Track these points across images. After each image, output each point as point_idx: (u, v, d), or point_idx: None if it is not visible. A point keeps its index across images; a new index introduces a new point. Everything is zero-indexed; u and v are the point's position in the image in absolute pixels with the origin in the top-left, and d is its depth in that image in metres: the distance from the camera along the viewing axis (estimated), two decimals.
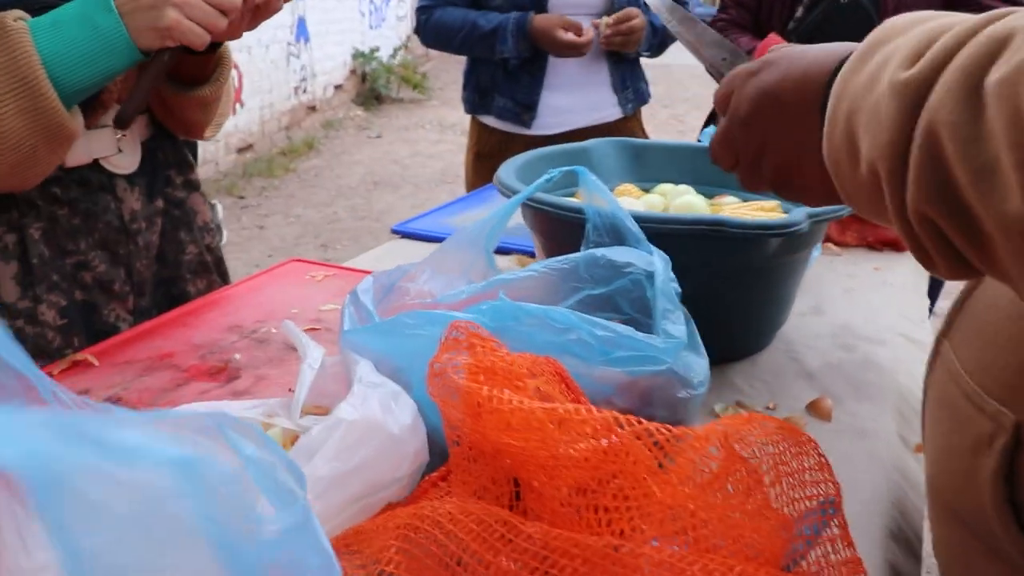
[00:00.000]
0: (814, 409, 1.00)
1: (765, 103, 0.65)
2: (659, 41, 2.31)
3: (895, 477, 0.89)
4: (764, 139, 0.66)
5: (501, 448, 0.51)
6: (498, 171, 1.16)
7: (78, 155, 1.13)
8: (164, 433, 0.38)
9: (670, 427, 0.48)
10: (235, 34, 1.09)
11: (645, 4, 2.30)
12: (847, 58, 0.57)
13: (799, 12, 2.15)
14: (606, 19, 2.16)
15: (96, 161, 1.16)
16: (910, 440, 0.98)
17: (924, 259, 0.51)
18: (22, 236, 1.11)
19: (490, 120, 2.36)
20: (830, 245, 1.56)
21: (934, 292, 2.11)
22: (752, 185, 0.70)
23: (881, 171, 0.49)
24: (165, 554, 0.39)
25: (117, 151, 1.18)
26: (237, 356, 1.10)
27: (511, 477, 0.57)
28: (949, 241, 0.48)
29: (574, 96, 2.29)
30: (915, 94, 0.47)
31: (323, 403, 0.83)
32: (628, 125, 2.40)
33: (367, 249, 5.52)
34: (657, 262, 0.85)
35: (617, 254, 0.87)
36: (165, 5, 0.99)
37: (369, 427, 0.62)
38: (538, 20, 2.15)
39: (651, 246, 0.88)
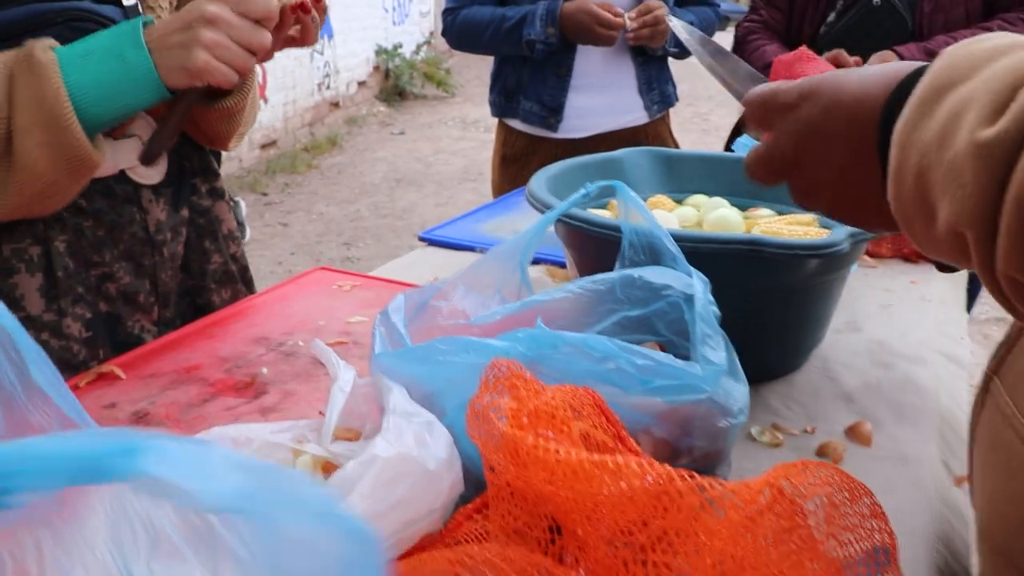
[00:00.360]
0: (853, 434, 0.98)
1: (812, 144, 0.61)
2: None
3: (940, 508, 0.86)
4: (816, 178, 0.63)
5: (544, 495, 0.49)
6: (530, 183, 1.13)
7: (104, 166, 1.11)
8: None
9: (723, 481, 0.46)
10: (262, 60, 1.08)
11: (674, 8, 2.27)
12: (898, 91, 0.54)
13: (831, 16, 2.11)
14: (629, 15, 2.13)
15: (122, 171, 1.15)
16: (954, 467, 0.95)
17: (1010, 309, 0.49)
18: (47, 248, 1.10)
19: (516, 123, 2.34)
20: (865, 257, 1.52)
21: (971, 296, 2.07)
22: (808, 207, 0.67)
23: (968, 236, 0.46)
24: None
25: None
26: (264, 370, 1.09)
27: (550, 518, 0.55)
28: None
29: (600, 98, 2.26)
30: (1003, 156, 0.43)
31: (353, 425, 0.82)
32: (656, 129, 2.37)
33: (389, 247, 5.51)
34: (696, 285, 0.82)
35: (655, 275, 0.85)
36: (195, 45, 0.98)
37: (405, 463, 0.60)
38: (569, 3, 2.12)
39: (690, 267, 0.86)
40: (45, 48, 0.96)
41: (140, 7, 1.11)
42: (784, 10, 2.23)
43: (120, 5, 1.09)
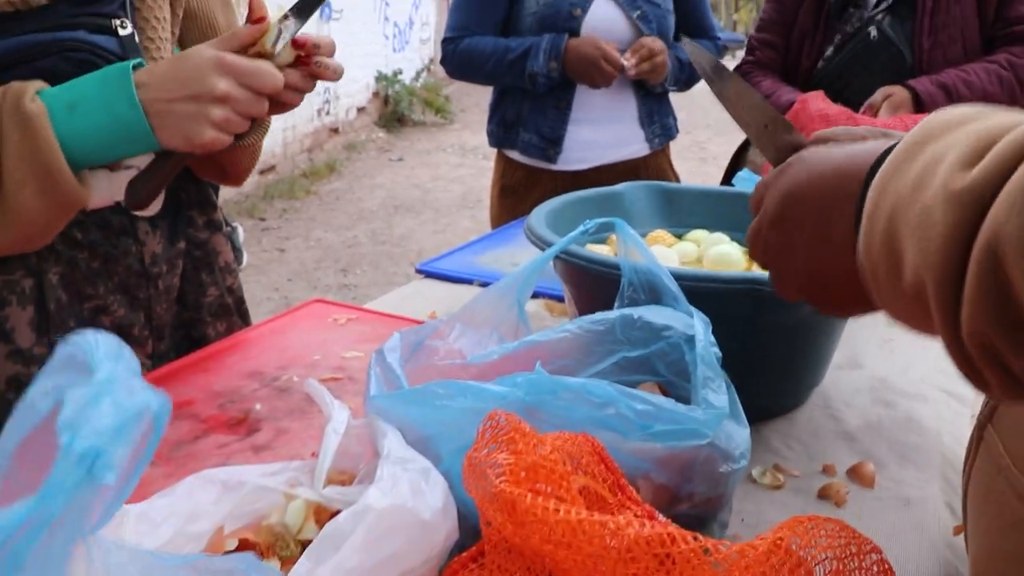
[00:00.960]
0: (856, 475, 0.96)
1: (792, 201, 0.61)
2: (687, 76, 2.28)
3: (945, 554, 0.84)
4: (792, 240, 0.62)
5: (542, 552, 0.48)
6: (529, 219, 1.12)
7: (101, 197, 1.10)
8: None
9: (728, 541, 0.44)
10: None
11: (675, 38, 2.27)
12: (886, 153, 0.53)
13: (828, 51, 2.11)
14: (627, 55, 2.14)
15: (118, 203, 1.13)
16: (957, 508, 0.94)
17: (975, 379, 0.47)
18: (40, 281, 1.09)
19: (515, 155, 2.33)
20: None
21: None
22: (783, 290, 0.66)
23: (929, 283, 0.45)
24: None
25: None
26: (258, 406, 1.07)
27: (548, 572, 0.53)
28: (1007, 362, 0.44)
29: (601, 130, 2.25)
30: (975, 203, 0.42)
31: (347, 467, 0.80)
32: (656, 161, 2.37)
33: (387, 275, 5.50)
34: (697, 325, 0.81)
35: (655, 315, 0.84)
36: (204, 122, 0.96)
37: (399, 514, 0.59)
38: (575, 40, 2.13)
39: (690, 307, 0.84)
40: (33, 97, 0.94)
41: (136, 36, 1.10)
42: (780, 49, 2.23)
43: (116, 35, 1.08)
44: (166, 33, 1.16)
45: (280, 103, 1.06)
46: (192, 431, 1.01)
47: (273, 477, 0.76)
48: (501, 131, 2.35)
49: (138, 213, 1.15)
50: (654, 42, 2.15)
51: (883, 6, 2.03)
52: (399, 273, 5.38)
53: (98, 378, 0.42)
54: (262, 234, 6.28)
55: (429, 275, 1.61)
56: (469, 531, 0.67)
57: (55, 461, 0.39)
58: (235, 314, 1.34)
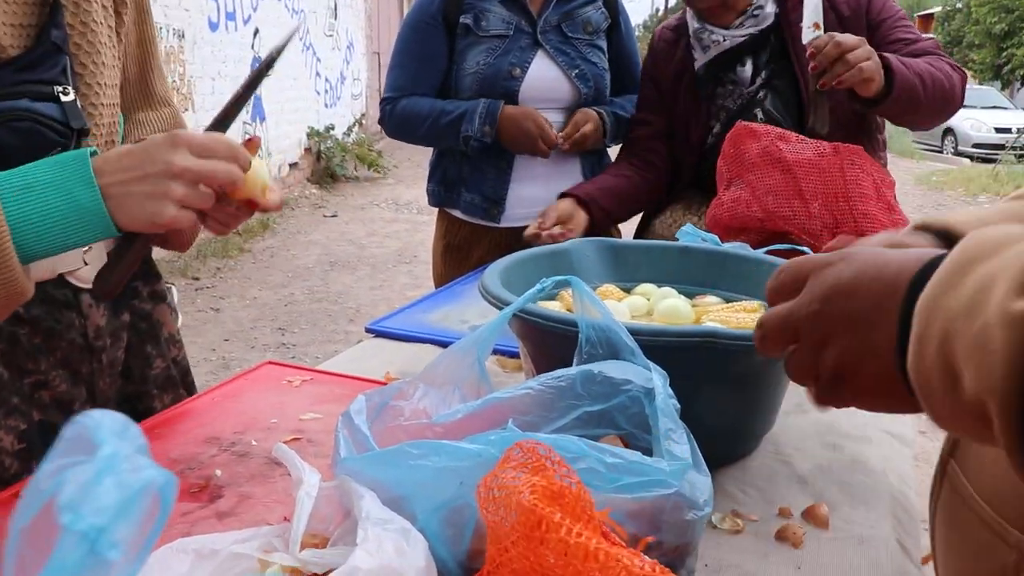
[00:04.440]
0: (810, 516, 0.99)
1: (837, 296, 0.62)
2: (624, 131, 2.34)
3: None
4: (829, 332, 0.63)
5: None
6: (483, 279, 1.15)
7: (42, 270, 1.07)
8: None
9: None
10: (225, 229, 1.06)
11: (610, 100, 2.33)
12: (928, 264, 0.56)
13: (716, 127, 2.08)
14: (560, 136, 2.20)
15: (61, 275, 1.12)
16: (908, 546, 0.97)
17: None
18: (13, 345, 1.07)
19: (458, 213, 2.36)
20: None
21: None
22: (800, 376, 0.67)
23: (993, 406, 0.47)
24: None
25: (83, 264, 1.14)
26: (218, 472, 1.07)
27: None
28: None
29: (544, 187, 2.29)
30: None
31: (319, 530, 0.81)
32: None
33: (325, 332, 5.46)
34: (656, 379, 0.84)
35: (615, 370, 0.86)
36: (165, 200, 0.92)
37: (386, 574, 0.60)
38: (511, 107, 2.17)
39: (648, 361, 0.87)
40: None
41: (79, 103, 1.09)
42: (662, 127, 2.21)
43: (59, 102, 1.05)
44: (109, 100, 1.15)
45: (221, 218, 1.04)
46: None
47: (246, 543, 0.76)
48: (442, 190, 2.38)
49: (81, 285, 1.14)
50: (580, 117, 2.22)
51: (759, 82, 2.01)
52: (338, 330, 5.36)
53: (100, 456, 0.43)
54: (196, 294, 6.20)
55: (379, 334, 1.62)
56: None
57: (58, 541, 0.40)
58: (180, 386, 1.34)
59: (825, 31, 1.75)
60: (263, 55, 9.16)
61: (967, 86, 1.90)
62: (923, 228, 0.80)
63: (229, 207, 1.01)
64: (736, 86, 2.03)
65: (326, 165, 10.63)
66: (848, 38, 1.66)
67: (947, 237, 0.81)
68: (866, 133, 1.94)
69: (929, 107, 1.79)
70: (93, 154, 0.94)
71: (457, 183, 2.32)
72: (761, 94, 2.00)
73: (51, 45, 1.04)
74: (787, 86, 1.97)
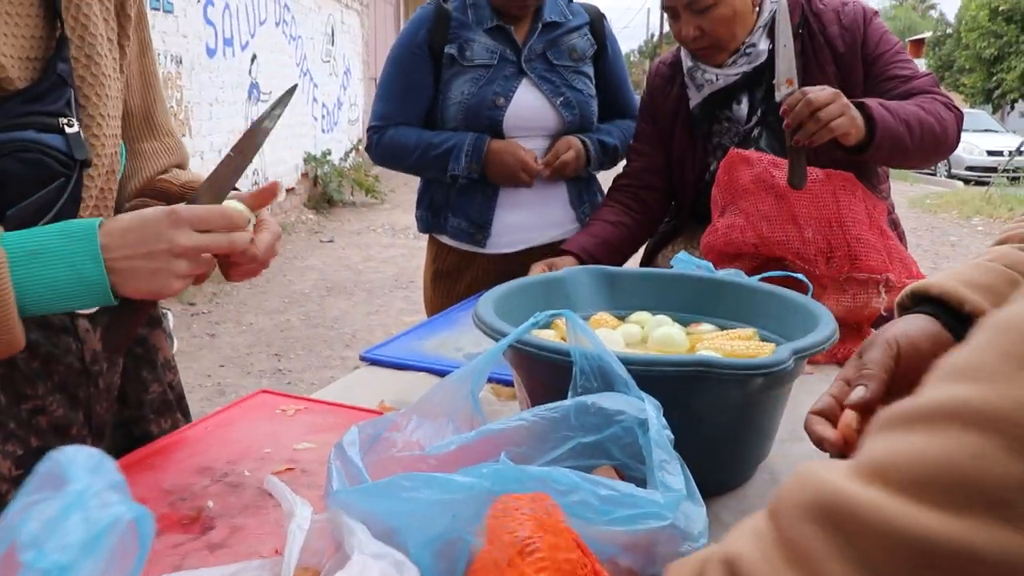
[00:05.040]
0: None
1: None
2: (611, 158, 2.36)
3: None
4: None
5: None
6: (476, 310, 1.15)
7: None
8: None
9: None
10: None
11: (596, 127, 2.34)
12: None
13: (713, 165, 2.06)
14: (541, 163, 2.23)
15: None
16: None
17: None
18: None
19: (445, 239, 2.37)
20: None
21: None
22: None
23: None
24: None
25: None
26: (210, 503, 1.06)
27: None
28: None
29: (531, 214, 2.31)
30: None
31: (311, 563, 0.80)
32: None
33: (321, 358, 5.45)
34: (649, 410, 0.84)
35: (608, 401, 0.86)
36: (170, 277, 0.98)
37: None
38: (496, 142, 2.19)
39: (641, 392, 0.87)
40: None
41: (82, 135, 1.11)
42: (657, 160, 2.19)
43: (63, 133, 1.08)
44: (112, 130, 1.17)
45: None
46: None
47: None
48: (430, 216, 2.40)
49: (79, 311, 1.15)
50: (561, 145, 2.24)
51: (755, 120, 2.00)
52: (334, 356, 5.35)
53: (68, 491, 0.42)
54: (192, 319, 6.19)
55: (374, 362, 1.62)
56: None
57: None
58: (177, 411, 1.34)
59: (809, 79, 1.74)
60: (260, 83, 9.17)
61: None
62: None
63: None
64: (732, 123, 2.02)
65: (323, 190, 10.66)
66: (820, 95, 1.64)
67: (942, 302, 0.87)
68: (864, 167, 1.93)
69: (918, 152, 1.79)
70: (101, 224, 0.98)
71: (444, 208, 2.34)
72: (757, 131, 2.00)
73: (57, 78, 1.06)
74: (780, 122, 1.95)
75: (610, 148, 2.33)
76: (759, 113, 1.99)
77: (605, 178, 2.51)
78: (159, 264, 0.97)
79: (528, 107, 2.23)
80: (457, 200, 2.31)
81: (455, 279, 2.37)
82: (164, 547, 0.97)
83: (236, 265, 1.10)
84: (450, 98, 2.25)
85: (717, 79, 1.98)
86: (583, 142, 2.26)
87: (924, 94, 1.86)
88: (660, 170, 2.16)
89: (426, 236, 2.50)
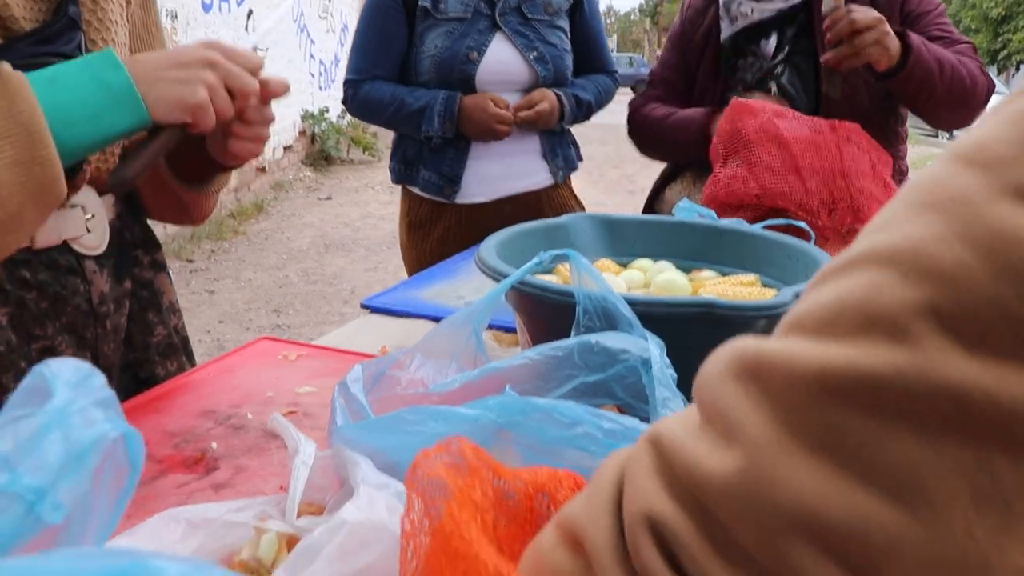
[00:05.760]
0: None
1: None
2: (584, 112, 2.36)
3: None
4: None
5: None
6: (479, 252, 1.14)
7: (48, 236, 1.09)
8: None
9: None
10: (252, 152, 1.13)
11: (572, 82, 2.34)
12: None
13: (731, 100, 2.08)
14: (513, 107, 2.23)
15: (64, 242, 1.13)
16: None
17: None
18: None
19: (417, 190, 2.39)
20: None
21: None
22: None
23: None
24: None
25: (86, 231, 1.15)
26: (214, 445, 1.07)
27: None
28: None
29: (501, 164, 2.33)
30: None
31: (315, 499, 0.80)
32: (560, 193, 2.44)
33: (320, 314, 5.46)
34: (653, 348, 0.84)
35: (612, 340, 0.86)
36: (197, 83, 0.98)
37: (374, 529, 0.60)
38: (468, 99, 2.20)
39: (645, 331, 0.87)
40: (10, 67, 0.90)
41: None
42: (679, 88, 2.21)
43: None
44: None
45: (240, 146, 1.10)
46: (149, 471, 1.00)
47: (240, 512, 0.76)
48: (402, 168, 2.41)
49: (85, 252, 1.15)
50: (536, 95, 2.24)
51: (780, 57, 2.00)
52: (333, 312, 5.35)
53: (49, 408, 0.39)
54: (191, 276, 6.19)
55: (375, 311, 1.62)
56: None
57: None
58: (182, 354, 1.34)
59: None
60: (256, 39, 9.05)
61: None
62: None
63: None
64: (757, 59, 2.02)
65: (320, 148, 10.61)
66: (863, 17, 1.66)
67: None
68: (885, 124, 1.93)
69: (946, 97, 1.78)
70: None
71: (416, 161, 2.35)
72: (780, 68, 2.00)
73: (68, 20, 1.05)
74: (807, 64, 1.96)
75: (584, 103, 2.34)
76: (785, 51, 1.99)
77: (579, 132, 2.51)
78: (187, 72, 0.98)
79: (501, 61, 2.23)
80: (429, 154, 2.33)
81: (428, 230, 2.39)
82: (169, 487, 0.98)
83: (237, 138, 1.10)
84: (423, 51, 2.25)
85: (752, 12, 1.99)
86: (557, 97, 2.26)
87: (963, 56, 1.86)
88: (678, 97, 2.18)
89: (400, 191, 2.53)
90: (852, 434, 0.36)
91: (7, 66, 0.90)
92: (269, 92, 1.09)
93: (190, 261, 6.53)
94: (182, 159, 1.19)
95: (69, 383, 0.38)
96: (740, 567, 0.39)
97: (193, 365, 1.36)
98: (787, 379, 0.38)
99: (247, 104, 1.05)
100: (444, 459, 0.55)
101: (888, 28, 1.68)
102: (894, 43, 1.70)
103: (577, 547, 0.46)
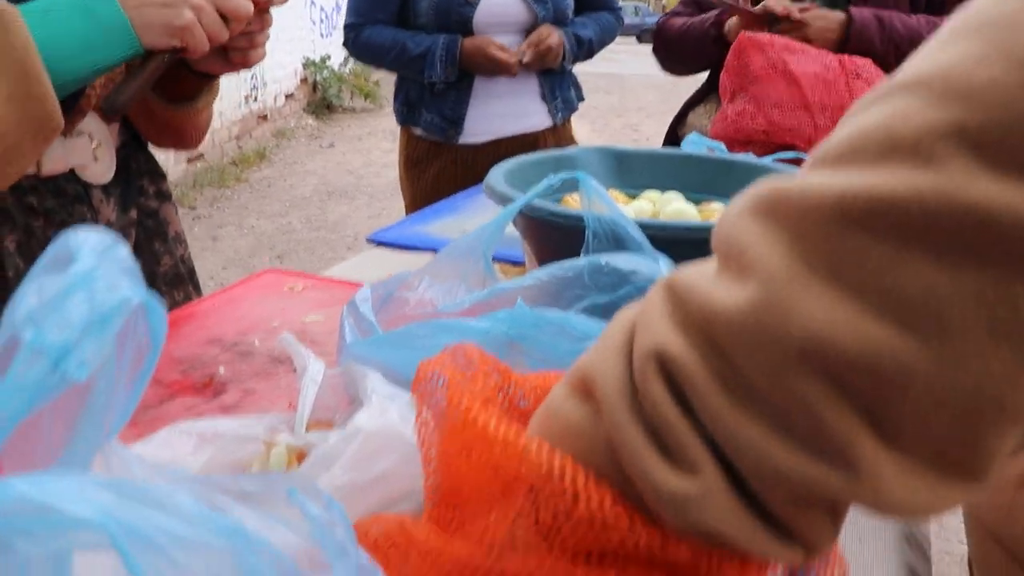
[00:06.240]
0: None
1: None
2: (586, 51, 2.34)
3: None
4: None
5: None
6: (487, 178, 1.14)
7: (55, 163, 1.09)
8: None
9: None
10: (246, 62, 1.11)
11: (572, 20, 2.32)
12: None
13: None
14: (522, 47, 2.21)
15: (71, 171, 1.12)
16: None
17: None
18: None
19: (418, 131, 2.38)
20: None
21: None
22: None
23: None
24: None
25: (93, 160, 1.14)
26: (221, 370, 1.07)
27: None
28: None
29: (501, 104, 2.32)
30: None
31: (324, 417, 0.81)
32: (559, 135, 2.42)
33: (324, 260, 5.45)
34: (663, 269, 0.83)
35: (622, 261, 0.85)
36: (182, 5, 0.96)
37: (388, 437, 0.60)
38: (468, 43, 2.18)
39: (656, 252, 0.87)
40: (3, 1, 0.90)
41: None
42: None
43: None
44: None
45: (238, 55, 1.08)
46: (157, 396, 1.01)
47: (252, 427, 0.76)
48: (405, 109, 2.40)
49: (91, 181, 1.14)
50: (543, 30, 2.22)
51: None
52: (336, 258, 5.34)
53: (73, 271, 0.38)
54: (193, 223, 6.17)
55: (380, 244, 1.62)
56: None
57: (16, 358, 0.35)
58: (189, 283, 1.34)
59: None
60: None
61: None
62: None
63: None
64: None
65: (322, 96, 10.51)
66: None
67: None
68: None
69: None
70: None
71: (418, 104, 2.35)
72: None
73: None
74: None
75: (585, 41, 2.32)
76: None
77: (584, 80, 2.49)
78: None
79: (499, 3, 2.21)
80: (431, 97, 2.32)
81: (424, 167, 2.40)
82: (178, 409, 0.98)
83: (237, 51, 1.09)
84: None
85: None
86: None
87: None
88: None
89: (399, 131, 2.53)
90: (869, 262, 0.36)
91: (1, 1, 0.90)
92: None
93: (192, 208, 6.51)
94: (164, 81, 1.17)
95: (94, 251, 0.37)
96: (747, 404, 0.38)
97: (200, 295, 1.36)
98: (805, 210, 0.38)
99: (242, 26, 1.03)
100: (448, 363, 0.55)
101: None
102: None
103: (587, 395, 0.45)
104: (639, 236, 0.89)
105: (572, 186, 1.21)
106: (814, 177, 0.38)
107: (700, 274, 0.42)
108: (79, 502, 0.30)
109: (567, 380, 0.47)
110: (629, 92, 10.07)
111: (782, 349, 0.37)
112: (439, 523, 0.52)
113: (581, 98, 2.51)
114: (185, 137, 1.28)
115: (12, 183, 1.00)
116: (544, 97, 2.35)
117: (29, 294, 0.35)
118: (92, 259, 0.36)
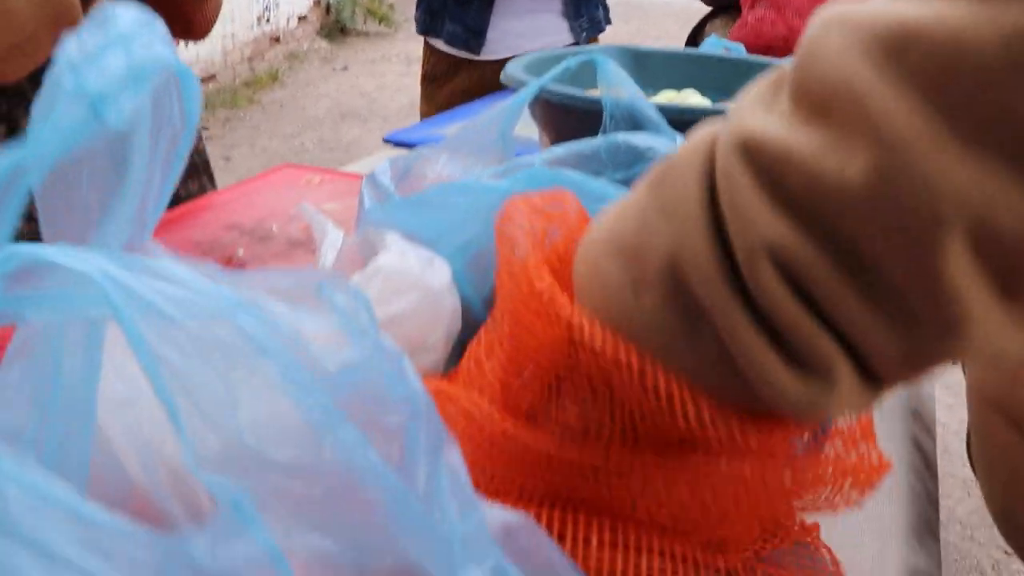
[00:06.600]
0: None
1: None
2: None
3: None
4: None
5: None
6: (506, 68, 1.14)
7: None
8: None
9: None
10: None
11: None
12: None
13: None
14: None
15: None
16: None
17: None
18: (13, 127, 1.08)
19: (440, 44, 2.35)
20: None
21: None
22: None
23: None
24: (236, 370, 0.37)
25: None
26: (240, 251, 1.09)
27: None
28: None
29: (524, 21, 2.28)
30: None
31: None
32: None
33: None
34: (680, 144, 0.84)
35: (639, 139, 0.86)
36: None
37: (408, 278, 0.61)
38: None
39: (673, 131, 0.87)
40: None
41: None
42: None
43: None
44: None
45: None
46: None
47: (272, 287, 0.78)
48: (427, 19, 2.37)
49: None
50: None
51: None
52: None
53: (111, 32, 0.37)
54: (206, 143, 6.15)
55: (398, 144, 1.62)
56: (469, 325, 0.70)
57: (55, 103, 0.35)
58: (204, 175, 1.34)
59: None
60: None
61: None
62: None
63: None
64: None
65: (336, 19, 10.38)
66: None
67: None
68: None
69: None
70: None
71: (441, 12, 2.31)
72: None
73: None
74: None
75: None
76: None
77: (626, 11, 2.45)
78: None
79: None
80: (454, 5, 2.28)
81: (443, 83, 2.37)
82: None
83: None
84: None
85: None
86: None
87: None
88: None
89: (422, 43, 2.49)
90: None
91: None
92: None
93: (205, 128, 6.48)
94: None
95: (135, 19, 0.37)
96: (877, 300, 0.34)
97: (215, 188, 1.37)
98: (949, 57, 0.30)
99: None
100: (536, 202, 0.55)
101: None
102: None
103: (631, 260, 0.42)
104: (657, 117, 0.90)
105: (591, 81, 1.21)
106: (956, 9, 0.31)
107: (783, 127, 0.37)
108: (82, 261, 0.31)
109: (609, 236, 0.45)
110: (649, 21, 9.91)
111: (920, 227, 0.32)
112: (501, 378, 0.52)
113: (608, 20, 2.47)
114: (193, 26, 1.27)
115: (27, 73, 1.01)
116: (567, 15, 2.32)
117: (69, 47, 0.35)
118: (131, 23, 0.36)
